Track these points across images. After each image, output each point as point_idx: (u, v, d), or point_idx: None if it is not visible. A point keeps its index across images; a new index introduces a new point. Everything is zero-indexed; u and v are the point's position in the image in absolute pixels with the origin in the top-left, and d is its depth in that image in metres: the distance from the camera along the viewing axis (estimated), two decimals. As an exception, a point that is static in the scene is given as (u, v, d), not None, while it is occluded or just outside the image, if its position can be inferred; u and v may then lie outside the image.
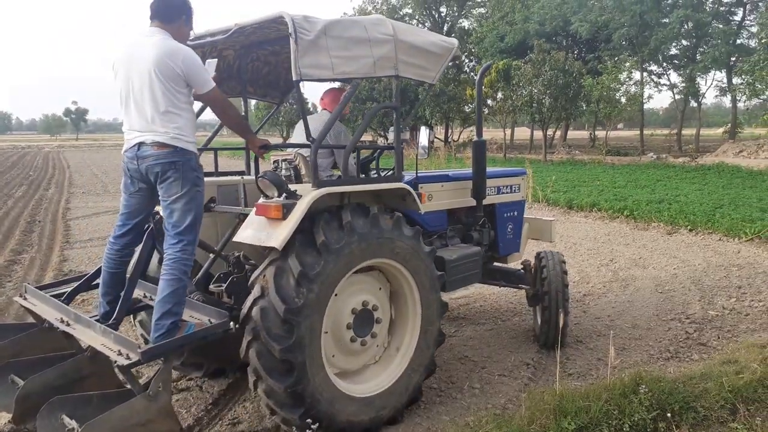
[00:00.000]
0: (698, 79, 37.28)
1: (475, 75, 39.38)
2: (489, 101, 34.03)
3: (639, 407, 3.84)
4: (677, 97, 40.32)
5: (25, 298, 4.02)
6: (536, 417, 3.77)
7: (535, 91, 29.25)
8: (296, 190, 3.57)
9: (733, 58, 35.38)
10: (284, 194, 3.52)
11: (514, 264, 5.88)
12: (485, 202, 5.32)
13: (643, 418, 3.80)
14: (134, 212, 3.66)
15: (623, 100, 32.45)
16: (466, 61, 50.90)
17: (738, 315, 6.29)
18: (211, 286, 4.11)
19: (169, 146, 3.39)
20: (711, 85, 44.55)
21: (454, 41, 4.53)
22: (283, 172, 4.48)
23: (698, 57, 36.13)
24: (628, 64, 33.74)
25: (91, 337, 3.36)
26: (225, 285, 3.95)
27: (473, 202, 5.25)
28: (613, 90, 30.65)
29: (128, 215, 3.66)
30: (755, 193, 14.99)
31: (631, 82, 34.70)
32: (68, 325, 3.54)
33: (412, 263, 3.98)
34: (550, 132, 34.50)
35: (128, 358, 3.02)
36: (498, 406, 4.28)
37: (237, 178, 4.81)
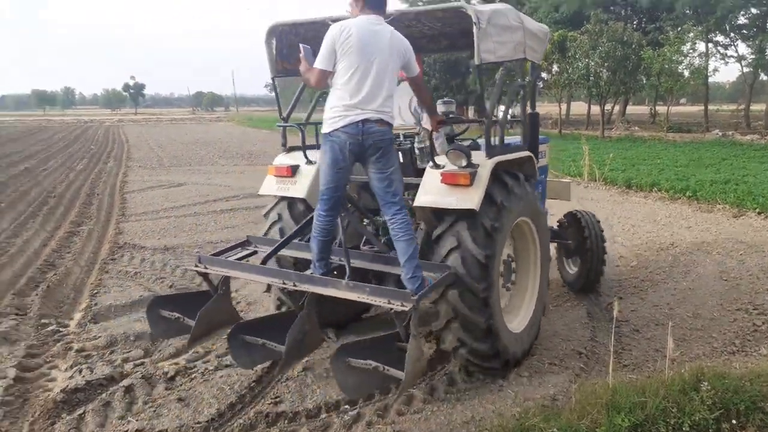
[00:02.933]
0: (769, 51, 34.99)
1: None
2: (544, 74, 32.98)
3: (700, 406, 3.59)
4: (746, 69, 38.00)
5: (206, 267, 4.32)
6: (587, 411, 3.58)
7: (592, 63, 28.04)
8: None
9: (811, 27, 33.02)
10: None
11: None
12: None
13: (704, 417, 3.56)
14: (340, 186, 3.97)
15: (686, 73, 30.77)
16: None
17: (811, 306, 5.86)
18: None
19: (389, 125, 3.89)
20: (784, 57, 41.63)
21: (547, 27, 5.26)
22: (416, 144, 5.08)
23: (770, 27, 33.90)
24: (691, 34, 31.63)
25: (343, 293, 3.74)
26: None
27: None
28: (675, 62, 29.01)
29: (335, 188, 3.93)
30: (832, 173, 14.03)
31: (695, 54, 32.67)
32: (295, 285, 3.90)
33: (537, 219, 4.79)
34: (608, 107, 33.14)
35: (403, 305, 3.50)
36: (546, 397, 4.10)
37: None
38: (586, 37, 28.42)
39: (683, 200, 11.75)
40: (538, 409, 3.77)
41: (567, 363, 4.69)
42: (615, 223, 9.92)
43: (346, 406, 3.98)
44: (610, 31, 27.91)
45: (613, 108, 36.78)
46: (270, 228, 4.88)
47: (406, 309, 3.49)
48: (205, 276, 4.34)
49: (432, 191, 4.12)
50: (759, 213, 10.20)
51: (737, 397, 3.72)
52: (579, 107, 53.28)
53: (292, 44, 4.80)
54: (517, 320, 4.68)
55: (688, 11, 34.98)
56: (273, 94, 6.00)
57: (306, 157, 4.79)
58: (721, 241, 8.53)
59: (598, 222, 6.31)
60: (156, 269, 7.19)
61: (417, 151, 5.08)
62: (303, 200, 4.71)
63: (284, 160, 4.95)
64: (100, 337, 5.06)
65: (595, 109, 35.26)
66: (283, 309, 4.86)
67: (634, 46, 27.86)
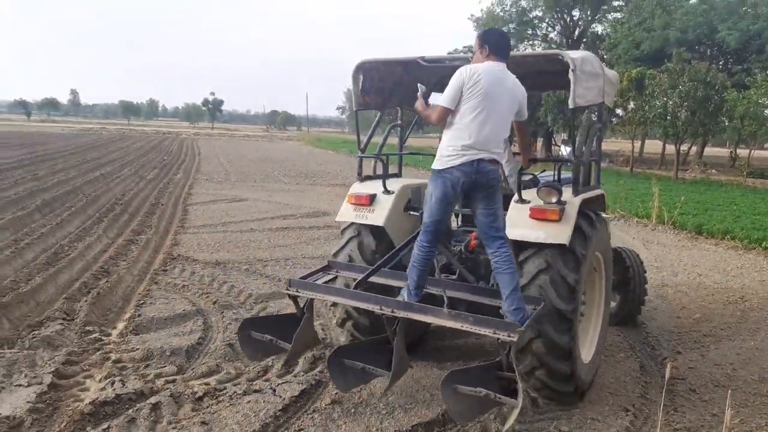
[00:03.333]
0: None
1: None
2: (619, 111, 32.06)
3: (757, 486, 3.23)
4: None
5: (297, 290, 4.44)
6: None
7: (671, 102, 27.06)
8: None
9: None
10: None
11: None
12: None
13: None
14: (444, 219, 4.26)
15: (771, 117, 29.17)
16: (597, 67, 48.44)
17: None
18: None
19: (499, 164, 4.18)
20: None
21: (617, 74, 5.58)
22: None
23: None
24: (781, 77, 30.24)
25: (445, 321, 3.97)
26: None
27: None
28: (761, 106, 27.62)
29: (439, 222, 4.17)
30: None
31: (784, 98, 31.12)
32: (393, 312, 4.02)
33: (606, 253, 5.15)
34: (684, 147, 31.87)
35: (510, 336, 3.66)
36: (585, 457, 3.81)
37: (420, 181, 5.39)
38: (666, 76, 27.48)
39: (758, 251, 10.99)
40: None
41: (612, 420, 4.35)
42: (680, 270, 9.36)
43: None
44: (692, 71, 26.88)
45: (689, 149, 35.33)
46: (340, 251, 5.10)
47: (514, 340, 3.65)
48: (294, 299, 4.49)
49: (520, 225, 4.34)
50: (844, 271, 9.39)
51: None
52: (653, 145, 51.50)
53: (375, 80, 5.25)
54: (584, 351, 4.77)
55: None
56: (343, 116, 7.05)
57: (384, 186, 5.01)
58: (799, 300, 7.87)
59: (638, 255, 6.72)
60: (204, 283, 7.28)
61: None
62: (379, 228, 4.91)
63: (361, 189, 5.09)
64: (137, 349, 5.11)
65: (671, 148, 33.96)
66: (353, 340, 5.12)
67: (717, 87, 26.70)
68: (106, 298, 6.40)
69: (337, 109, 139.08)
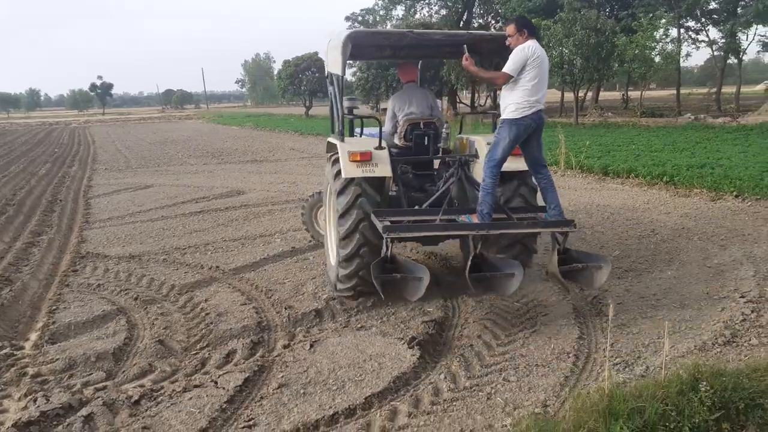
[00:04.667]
0: (739, 35, 35.35)
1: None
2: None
3: (700, 407, 3.42)
4: (716, 54, 38.43)
5: (398, 234, 5.08)
6: (583, 420, 3.37)
7: (566, 51, 28.02)
8: None
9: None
10: None
11: None
12: None
13: (704, 419, 3.39)
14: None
15: (658, 59, 30.90)
16: (493, 22, 49.38)
17: (799, 292, 5.74)
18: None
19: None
20: (753, 40, 41.90)
21: None
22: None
23: (740, 11, 34.22)
24: (664, 20, 31.89)
25: (527, 230, 5.44)
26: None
27: None
28: (648, 48, 29.17)
29: (506, 158, 5.44)
30: (804, 153, 14.10)
31: (668, 40, 32.99)
32: (488, 231, 5.13)
33: None
34: (581, 94, 33.24)
35: (571, 228, 5.26)
36: (537, 403, 3.87)
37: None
38: (560, 26, 28.35)
39: (660, 185, 11.69)
40: (531, 419, 3.53)
41: (555, 364, 4.46)
42: (594, 212, 9.78)
43: (324, 427, 3.71)
44: (583, 19, 27.87)
45: (585, 95, 36.93)
46: (351, 207, 5.45)
47: (574, 229, 5.33)
48: (399, 240, 5.51)
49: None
50: (736, 196, 10.17)
51: (736, 394, 3.56)
52: (552, 95, 53.45)
53: (361, 46, 6.33)
54: None
55: (660, -2, 35.16)
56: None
57: (380, 143, 5.69)
58: (701, 226, 8.43)
59: None
60: (120, 280, 6.80)
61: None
62: (386, 178, 5.68)
63: (356, 147, 5.62)
64: (57, 359, 4.67)
65: (569, 96, 35.34)
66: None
67: (607, 33, 27.86)
68: (11, 308, 5.83)
69: (236, 82, 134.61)
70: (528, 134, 5.41)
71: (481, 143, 6.00)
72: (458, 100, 44.93)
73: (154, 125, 51.45)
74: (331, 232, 6.27)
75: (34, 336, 5.28)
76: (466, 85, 38.85)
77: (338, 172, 5.55)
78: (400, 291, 5.04)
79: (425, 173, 6.60)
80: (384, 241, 4.97)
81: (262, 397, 4.08)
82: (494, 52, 6.30)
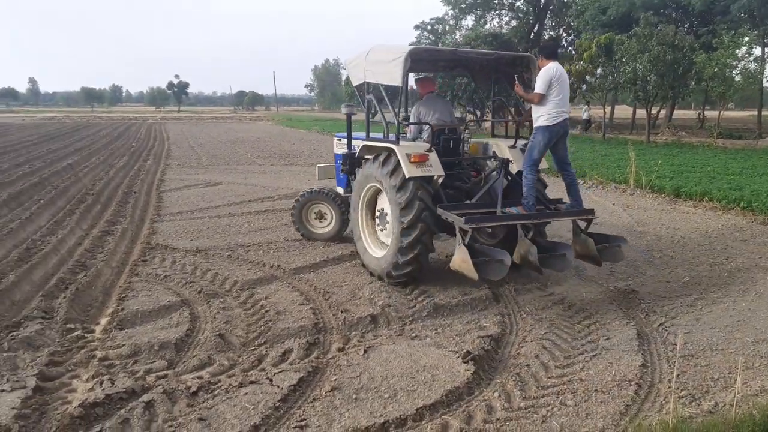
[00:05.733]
0: (830, 55, 33.30)
1: (574, 50, 37.43)
2: (588, 77, 32.15)
3: (773, 452, 3.21)
4: (803, 74, 36.26)
5: (477, 224, 5.90)
6: (643, 452, 3.23)
7: (640, 67, 27.14)
8: None
9: None
10: None
11: None
12: None
13: (777, 465, 3.18)
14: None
15: (738, 78, 29.48)
16: (564, 35, 48.49)
17: None
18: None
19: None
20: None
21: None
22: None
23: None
24: (747, 38, 30.46)
25: (563, 218, 6.91)
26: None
27: None
28: (729, 67, 27.89)
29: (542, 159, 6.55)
30: None
31: (751, 59, 31.48)
32: (537, 220, 6.36)
33: None
34: (653, 111, 32.09)
35: (593, 215, 6.45)
36: (595, 431, 3.75)
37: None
38: (635, 41, 27.51)
39: (737, 211, 11.11)
40: (586, 446, 3.42)
41: (615, 392, 4.30)
42: (664, 233, 9.41)
43: (375, 434, 3.71)
44: (660, 35, 26.95)
45: (658, 112, 35.65)
46: (412, 200, 6.17)
47: (596, 217, 6.58)
48: (465, 233, 5.75)
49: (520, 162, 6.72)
50: (822, 227, 9.53)
51: (813, 441, 3.32)
52: (623, 111, 51.88)
53: (418, 62, 7.66)
54: None
55: (743, 15, 33.62)
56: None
57: (430, 147, 6.46)
58: (782, 258, 7.95)
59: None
60: (186, 272, 7.04)
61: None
62: (436, 176, 6.35)
63: (413, 149, 6.33)
64: (124, 345, 4.89)
65: (640, 112, 34.22)
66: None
67: (685, 50, 26.83)
68: (85, 293, 6.14)
69: (306, 87, 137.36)
70: (557, 138, 6.41)
71: (498, 145, 7.15)
72: (524, 112, 44.22)
73: (225, 125, 53.09)
74: (388, 226, 6.74)
75: (104, 321, 5.54)
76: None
77: (393, 171, 6.30)
78: (485, 273, 5.58)
79: (451, 173, 7.12)
80: (460, 230, 5.76)
81: (314, 399, 4.13)
82: (523, 68, 7.29)
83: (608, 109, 35.54)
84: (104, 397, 3.96)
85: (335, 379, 4.39)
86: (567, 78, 6.45)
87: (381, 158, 6.56)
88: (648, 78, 27.08)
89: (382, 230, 6.92)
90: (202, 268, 7.18)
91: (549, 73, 6.27)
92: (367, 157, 7.24)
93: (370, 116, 7.27)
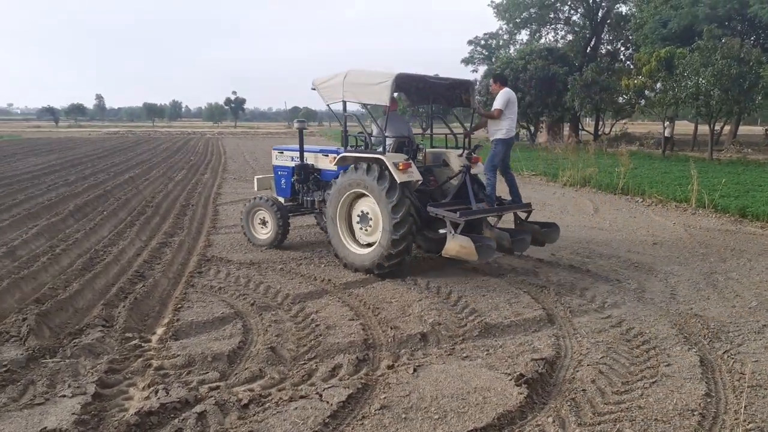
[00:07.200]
0: None
1: (632, 64, 36.57)
2: (647, 92, 31.27)
3: None
4: None
5: (468, 217, 7.25)
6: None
7: (703, 81, 26.18)
8: None
9: None
10: None
11: None
12: None
13: None
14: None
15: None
16: (622, 49, 47.41)
17: None
18: None
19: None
20: None
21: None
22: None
23: None
24: (818, 51, 29.04)
25: (513, 209, 8.24)
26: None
27: None
28: (799, 81, 26.51)
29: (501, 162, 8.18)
30: None
31: (823, 72, 29.85)
32: (501, 213, 8.10)
33: None
34: (717, 127, 30.87)
35: (531, 208, 8.36)
36: (656, 462, 3.57)
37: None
38: (697, 54, 26.61)
39: (809, 233, 10.52)
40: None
41: (677, 422, 4.10)
42: (728, 256, 8.99)
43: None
44: (725, 48, 25.97)
45: (722, 129, 34.30)
46: (401, 202, 7.25)
47: (533, 209, 8.30)
48: (457, 225, 7.12)
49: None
50: None
51: None
52: (682, 127, 50.15)
53: (402, 88, 9.17)
54: None
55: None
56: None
57: (415, 156, 8.43)
58: None
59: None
60: (240, 285, 7.17)
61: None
62: (416, 180, 7.55)
63: (398, 159, 7.45)
64: (178, 355, 5.00)
65: (703, 129, 33.02)
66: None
67: (752, 63, 25.75)
68: (143, 303, 6.33)
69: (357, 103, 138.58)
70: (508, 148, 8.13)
71: (448, 153, 8.56)
72: (581, 127, 43.38)
73: (280, 139, 54.14)
74: (372, 224, 7.72)
75: (160, 331, 5.69)
76: (590, 112, 37.51)
77: (381, 176, 7.36)
78: (483, 256, 6.88)
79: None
80: (452, 223, 7.16)
81: (363, 417, 4.10)
82: (463, 91, 8.69)
83: (668, 124, 34.41)
84: (159, 406, 4.04)
85: (384, 397, 4.35)
86: (516, 101, 8.14)
87: (364, 167, 7.57)
88: (711, 92, 26.09)
89: (364, 230, 7.84)
90: (255, 281, 7.30)
91: (506, 95, 7.93)
92: (337, 167, 8.36)
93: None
